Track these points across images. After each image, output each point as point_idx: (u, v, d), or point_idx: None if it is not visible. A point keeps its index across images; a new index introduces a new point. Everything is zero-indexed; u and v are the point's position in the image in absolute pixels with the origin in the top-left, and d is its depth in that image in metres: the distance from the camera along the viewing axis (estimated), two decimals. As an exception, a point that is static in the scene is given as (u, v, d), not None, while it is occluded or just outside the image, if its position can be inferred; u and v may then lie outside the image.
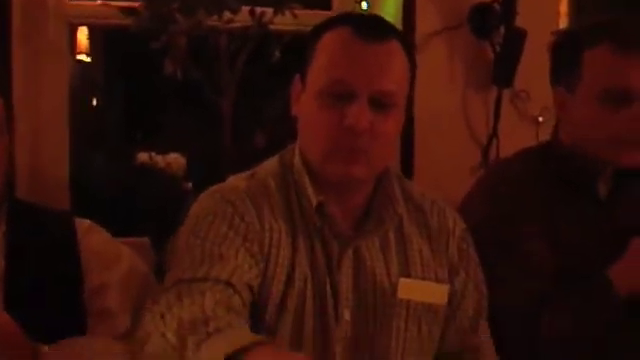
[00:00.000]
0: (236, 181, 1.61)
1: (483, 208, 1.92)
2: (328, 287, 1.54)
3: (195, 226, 1.50)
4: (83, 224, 1.79)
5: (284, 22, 2.60)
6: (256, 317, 1.48)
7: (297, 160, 1.60)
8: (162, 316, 1.20)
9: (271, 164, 1.64)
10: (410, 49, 1.60)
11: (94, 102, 3.94)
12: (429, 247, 1.65)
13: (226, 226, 1.48)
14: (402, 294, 1.58)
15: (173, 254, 1.51)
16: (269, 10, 2.57)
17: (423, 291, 1.60)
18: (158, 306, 1.23)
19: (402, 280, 1.59)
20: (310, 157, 1.57)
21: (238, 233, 1.48)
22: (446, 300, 1.64)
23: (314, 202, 1.55)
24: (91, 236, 1.77)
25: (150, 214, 2.89)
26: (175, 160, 3.18)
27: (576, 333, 1.78)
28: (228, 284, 1.37)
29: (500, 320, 1.74)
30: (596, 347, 1.81)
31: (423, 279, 1.61)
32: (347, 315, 1.55)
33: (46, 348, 1.54)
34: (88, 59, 3.60)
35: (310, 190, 1.56)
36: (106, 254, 1.76)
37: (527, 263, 1.83)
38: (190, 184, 3.12)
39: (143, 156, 3.19)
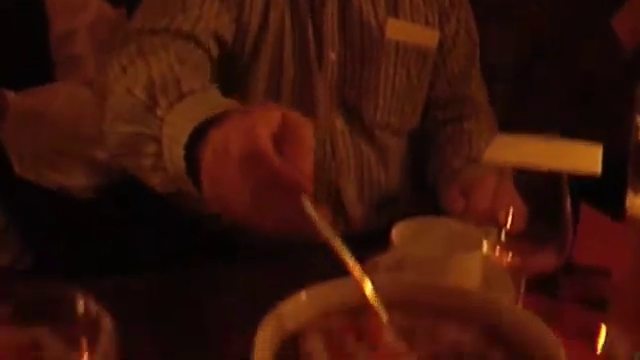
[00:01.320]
0: None
1: None
2: (310, 28, 1.44)
3: None
4: None
5: None
6: (229, 68, 1.39)
7: None
8: (124, 69, 1.11)
9: None
10: None
11: None
12: None
13: None
14: (390, 34, 1.49)
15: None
16: None
17: (412, 33, 1.52)
18: (119, 59, 1.15)
19: (390, 20, 1.49)
20: None
21: None
22: (436, 44, 1.56)
23: None
24: None
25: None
26: None
27: (572, 84, 1.74)
28: (191, 36, 1.28)
29: (490, 74, 1.69)
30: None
31: (412, 22, 1.52)
32: (333, 56, 1.46)
33: (12, 94, 1.48)
34: None
35: None
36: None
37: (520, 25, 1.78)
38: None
39: None
